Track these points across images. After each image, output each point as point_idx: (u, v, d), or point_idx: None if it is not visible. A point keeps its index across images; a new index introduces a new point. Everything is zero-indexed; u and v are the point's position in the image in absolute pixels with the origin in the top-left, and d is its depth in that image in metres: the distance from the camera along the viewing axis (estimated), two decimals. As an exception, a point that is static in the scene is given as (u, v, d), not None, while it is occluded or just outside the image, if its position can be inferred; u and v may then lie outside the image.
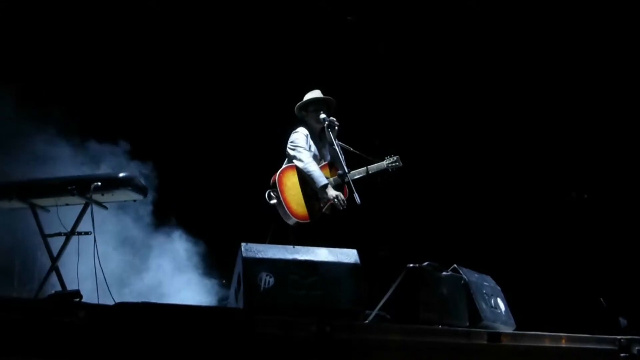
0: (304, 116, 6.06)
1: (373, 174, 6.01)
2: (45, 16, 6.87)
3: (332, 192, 5.73)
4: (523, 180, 8.11)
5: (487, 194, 8.13)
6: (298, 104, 6.06)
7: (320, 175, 5.77)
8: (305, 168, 5.78)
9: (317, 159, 5.97)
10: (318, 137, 6.07)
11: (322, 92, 6.11)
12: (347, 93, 6.46)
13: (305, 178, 5.79)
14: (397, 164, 6.07)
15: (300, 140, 5.89)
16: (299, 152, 5.83)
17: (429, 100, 8.19)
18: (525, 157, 8.07)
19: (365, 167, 5.98)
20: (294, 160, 5.83)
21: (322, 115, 5.91)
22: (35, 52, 6.74)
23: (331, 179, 5.86)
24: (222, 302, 6.52)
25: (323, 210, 5.78)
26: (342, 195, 5.75)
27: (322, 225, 5.79)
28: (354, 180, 5.73)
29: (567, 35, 7.74)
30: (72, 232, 5.32)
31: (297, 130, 5.97)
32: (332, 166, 6.01)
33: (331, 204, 5.74)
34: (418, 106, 8.17)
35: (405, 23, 7.96)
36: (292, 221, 5.72)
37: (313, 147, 5.97)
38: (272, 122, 7.04)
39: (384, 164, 6.05)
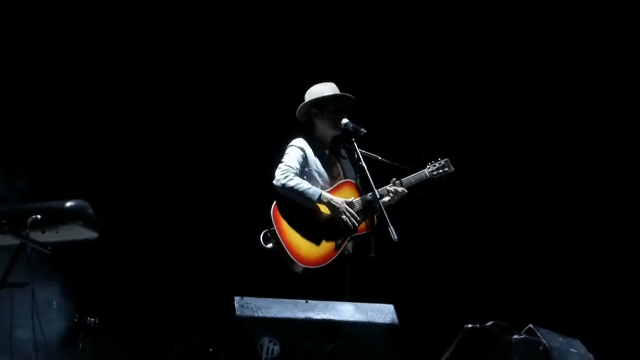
0: (314, 116, 5.90)
1: (410, 188, 5.89)
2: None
3: (337, 201, 5.59)
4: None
5: (573, 225, 8.19)
6: (311, 99, 5.88)
7: (308, 188, 5.59)
8: (283, 186, 5.58)
9: (326, 180, 5.80)
10: (329, 148, 5.94)
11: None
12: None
13: (300, 204, 5.62)
14: (446, 169, 5.90)
15: (288, 155, 5.75)
16: (278, 168, 5.67)
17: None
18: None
19: (399, 181, 5.86)
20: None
21: (344, 120, 5.78)
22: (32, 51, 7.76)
23: (353, 201, 5.74)
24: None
25: (341, 248, 5.67)
26: (350, 209, 5.62)
27: (341, 270, 5.66)
28: (386, 206, 5.57)
29: (568, 35, 8.33)
30: (4, 284, 5.27)
31: (291, 143, 5.84)
32: (355, 186, 5.87)
33: (352, 229, 5.62)
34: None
35: (404, 23, 8.55)
36: (299, 268, 5.53)
37: (317, 164, 5.80)
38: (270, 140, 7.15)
39: (425, 172, 5.91)
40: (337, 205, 5.60)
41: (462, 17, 8.50)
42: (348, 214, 5.60)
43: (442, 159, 5.93)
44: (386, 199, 5.68)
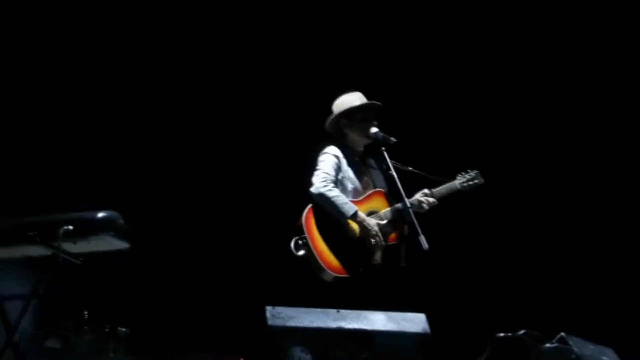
0: (344, 127, 5.94)
1: (441, 199, 5.90)
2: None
3: (370, 223, 5.62)
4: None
5: (605, 233, 8.09)
6: (340, 110, 5.93)
7: (345, 203, 5.61)
8: (322, 194, 5.63)
9: (358, 189, 5.84)
10: (359, 158, 5.96)
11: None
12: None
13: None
14: (477, 181, 5.91)
15: (325, 163, 5.79)
16: (316, 175, 5.72)
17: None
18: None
19: (430, 191, 5.87)
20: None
21: (374, 130, 5.81)
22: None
23: (381, 212, 5.77)
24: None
25: (373, 259, 5.68)
26: (379, 232, 5.62)
27: (371, 280, 5.65)
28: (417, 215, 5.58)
29: (569, 35, 8.30)
30: (36, 294, 5.28)
31: (325, 150, 5.88)
32: (385, 196, 5.89)
33: (380, 248, 5.63)
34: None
35: (404, 22, 8.52)
36: (329, 276, 5.54)
37: (349, 173, 5.83)
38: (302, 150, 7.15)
39: (456, 184, 5.92)
40: (369, 228, 5.62)
41: (481, 20, 8.43)
42: (379, 238, 5.62)
43: (472, 170, 5.96)
44: (417, 206, 5.71)
